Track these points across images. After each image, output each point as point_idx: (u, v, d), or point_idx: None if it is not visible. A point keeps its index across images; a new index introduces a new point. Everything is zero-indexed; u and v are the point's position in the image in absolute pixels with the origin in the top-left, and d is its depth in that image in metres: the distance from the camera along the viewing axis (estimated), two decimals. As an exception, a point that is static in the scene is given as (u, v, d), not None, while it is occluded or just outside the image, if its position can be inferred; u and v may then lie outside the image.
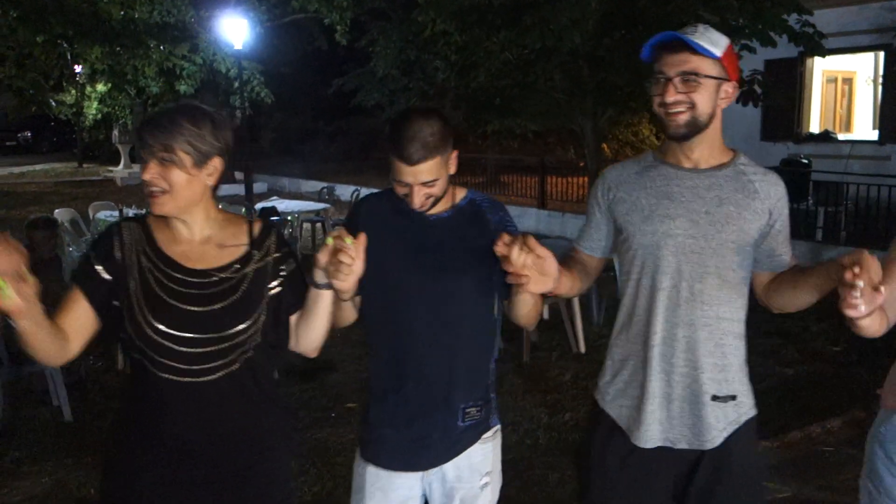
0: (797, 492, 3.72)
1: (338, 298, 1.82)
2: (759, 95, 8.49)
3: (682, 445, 1.95)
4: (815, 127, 13.90)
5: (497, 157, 16.86)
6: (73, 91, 21.80)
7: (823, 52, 9.12)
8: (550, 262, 1.74)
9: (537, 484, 3.82)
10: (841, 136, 13.71)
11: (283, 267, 1.85)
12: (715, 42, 1.88)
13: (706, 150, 1.95)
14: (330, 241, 1.71)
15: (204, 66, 15.79)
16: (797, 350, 5.92)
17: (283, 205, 10.08)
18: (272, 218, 8.67)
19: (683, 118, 1.87)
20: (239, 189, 14.55)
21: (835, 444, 4.26)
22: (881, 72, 12.57)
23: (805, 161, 10.83)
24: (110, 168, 23.75)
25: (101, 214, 9.10)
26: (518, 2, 8.68)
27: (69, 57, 15.15)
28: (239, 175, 15.50)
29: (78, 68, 20.20)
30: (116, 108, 22.08)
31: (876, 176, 9.20)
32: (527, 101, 9.39)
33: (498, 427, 2.09)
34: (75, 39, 11.70)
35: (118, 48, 12.31)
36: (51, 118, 27.22)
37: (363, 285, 1.79)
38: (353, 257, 1.68)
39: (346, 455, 4.18)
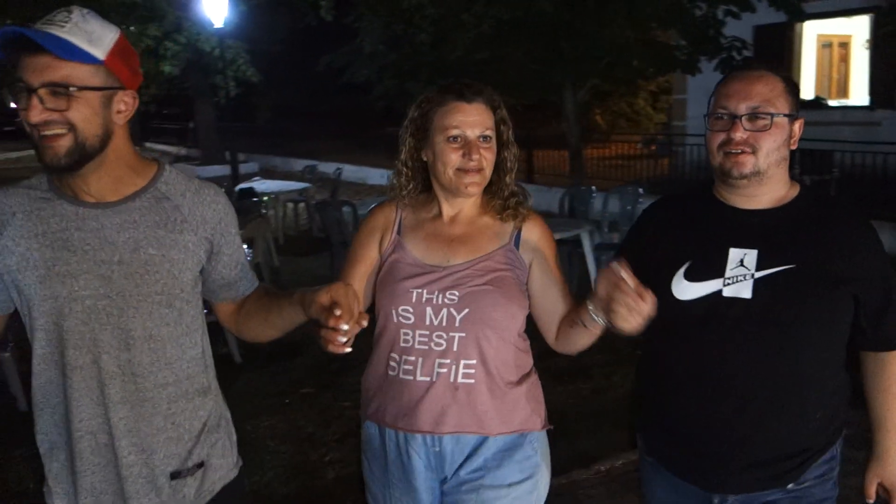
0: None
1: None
2: (738, 62, 8.27)
3: None
4: (808, 93, 13.62)
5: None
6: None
7: (802, 16, 8.87)
8: None
9: None
10: (834, 103, 13.45)
11: None
12: (96, 39, 1.40)
13: (110, 178, 1.49)
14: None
15: (188, 46, 15.62)
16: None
17: (262, 185, 9.98)
18: (252, 199, 8.61)
19: (65, 144, 1.39)
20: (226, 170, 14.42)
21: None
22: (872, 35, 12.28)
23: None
24: None
25: None
26: (490, -27, 8.50)
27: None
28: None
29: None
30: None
31: (864, 143, 9.00)
32: (504, 74, 9.18)
33: None
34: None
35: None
36: None
37: None
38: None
39: (291, 444, 4.12)
